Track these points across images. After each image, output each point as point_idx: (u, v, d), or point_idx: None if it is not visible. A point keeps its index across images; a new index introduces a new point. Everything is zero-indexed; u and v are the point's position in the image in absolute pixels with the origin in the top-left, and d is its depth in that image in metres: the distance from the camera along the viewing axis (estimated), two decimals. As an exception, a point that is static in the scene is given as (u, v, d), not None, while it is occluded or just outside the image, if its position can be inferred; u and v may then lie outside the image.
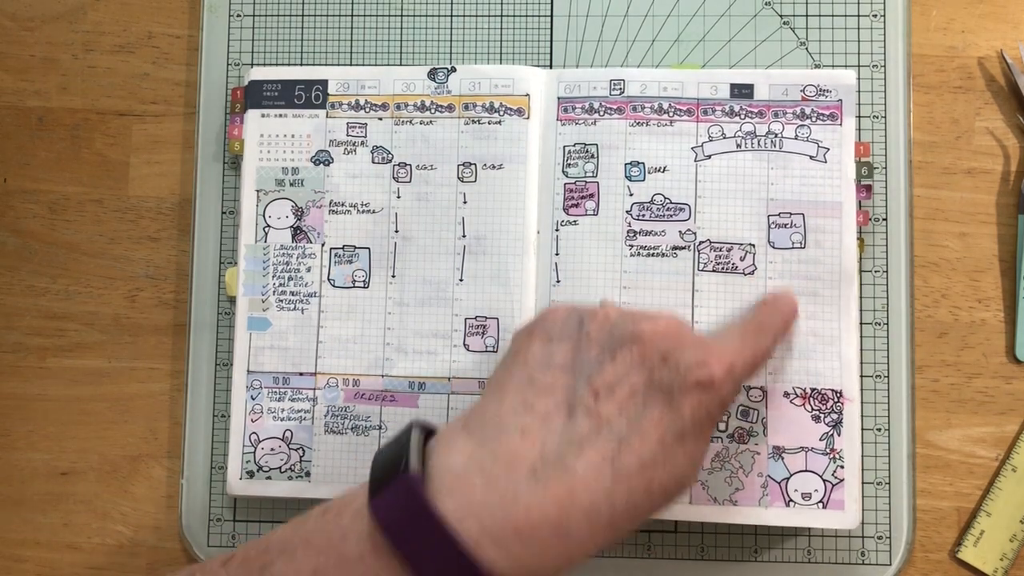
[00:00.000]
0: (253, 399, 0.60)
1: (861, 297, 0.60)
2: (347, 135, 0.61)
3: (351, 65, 0.63)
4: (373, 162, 0.61)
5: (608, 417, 0.43)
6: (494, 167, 0.60)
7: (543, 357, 0.46)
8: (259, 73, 0.62)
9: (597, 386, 0.44)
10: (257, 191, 0.61)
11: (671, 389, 0.44)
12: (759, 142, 0.59)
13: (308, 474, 0.59)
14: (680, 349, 0.45)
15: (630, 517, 0.43)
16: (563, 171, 0.60)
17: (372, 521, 0.42)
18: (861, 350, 0.59)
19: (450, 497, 0.41)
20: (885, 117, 0.61)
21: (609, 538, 0.43)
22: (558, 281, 0.59)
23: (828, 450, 0.57)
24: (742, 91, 0.59)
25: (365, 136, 0.61)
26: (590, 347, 0.45)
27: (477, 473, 0.42)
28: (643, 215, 0.59)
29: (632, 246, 0.59)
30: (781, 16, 0.62)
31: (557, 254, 0.59)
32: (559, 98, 0.60)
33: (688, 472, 0.45)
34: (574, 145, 0.60)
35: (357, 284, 0.60)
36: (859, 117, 0.61)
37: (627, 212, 0.59)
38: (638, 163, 0.59)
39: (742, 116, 0.59)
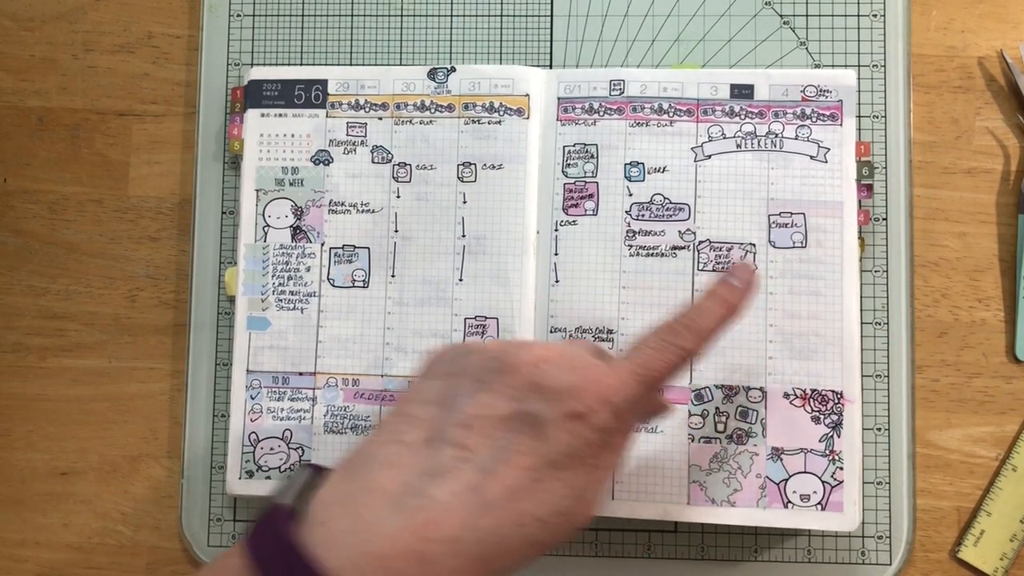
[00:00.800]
0: (253, 399, 0.60)
1: (861, 297, 0.60)
2: (347, 135, 0.61)
3: (351, 65, 0.63)
4: (373, 162, 0.61)
5: (474, 447, 0.42)
6: (494, 167, 0.60)
7: (419, 392, 0.45)
8: (259, 73, 0.62)
9: (465, 417, 0.43)
10: (257, 191, 0.61)
11: (541, 419, 0.42)
12: (759, 142, 0.59)
13: (308, 474, 0.59)
14: (554, 377, 0.43)
15: (502, 552, 0.42)
16: (563, 171, 0.60)
17: (246, 555, 0.42)
18: (861, 350, 0.59)
19: (317, 529, 0.41)
20: (885, 117, 0.61)
21: (482, 574, 0.42)
22: (557, 281, 0.59)
23: (827, 451, 0.57)
24: (742, 91, 0.59)
25: (365, 136, 0.61)
26: (464, 380, 0.44)
27: (342, 504, 0.42)
28: (643, 215, 0.59)
29: (631, 246, 0.59)
30: (781, 16, 0.62)
31: (556, 254, 0.59)
32: (559, 98, 0.60)
33: (571, 505, 0.43)
34: (574, 145, 0.60)
35: (357, 284, 0.60)
36: (859, 117, 0.61)
37: (627, 212, 0.59)
38: (638, 163, 0.59)
39: (742, 116, 0.59)
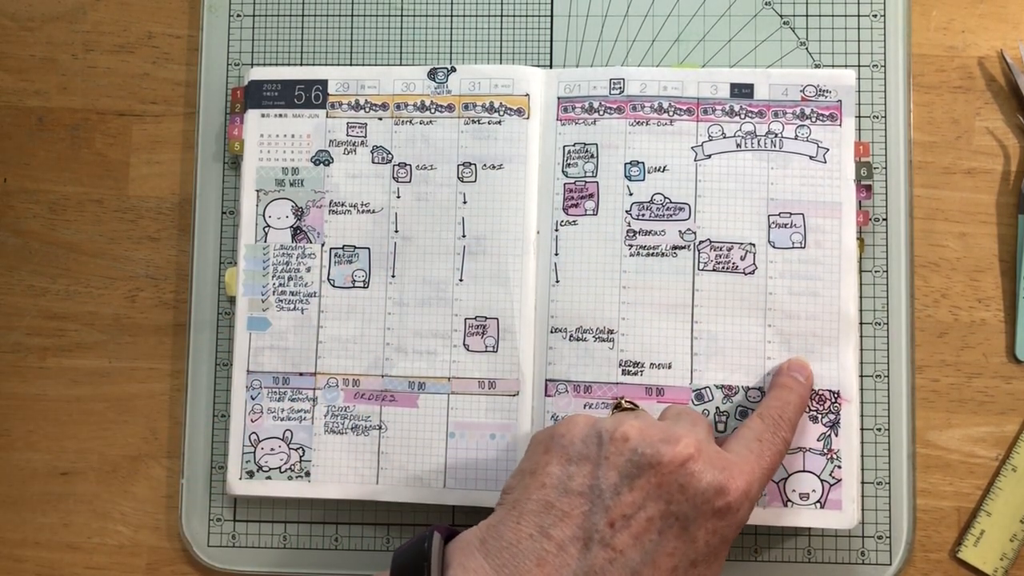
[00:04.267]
0: (253, 399, 0.60)
1: (861, 297, 0.60)
2: (347, 135, 0.61)
3: (351, 65, 0.63)
4: (373, 162, 0.61)
5: (623, 548, 0.44)
6: (494, 167, 0.60)
7: (561, 480, 0.46)
8: (259, 73, 0.62)
9: (613, 516, 0.45)
10: (257, 191, 0.61)
11: (688, 519, 0.45)
12: (759, 142, 0.59)
13: (308, 474, 0.59)
14: (698, 477, 0.45)
15: None
16: (563, 171, 0.60)
17: None
18: (861, 350, 0.59)
19: None
20: (885, 117, 0.61)
21: None
22: (557, 281, 0.59)
23: (826, 450, 0.57)
24: (742, 91, 0.59)
25: (365, 136, 0.61)
26: (608, 472, 0.46)
27: None
28: (643, 215, 0.59)
29: (632, 246, 0.59)
30: (781, 16, 0.62)
31: (557, 254, 0.59)
32: (559, 98, 0.60)
33: None
34: (574, 145, 0.60)
35: (357, 284, 0.60)
36: (859, 117, 0.61)
37: (627, 212, 0.59)
38: (638, 163, 0.59)
39: (742, 116, 0.59)
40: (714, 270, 0.58)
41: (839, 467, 0.56)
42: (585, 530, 0.44)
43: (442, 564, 0.45)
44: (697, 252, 0.58)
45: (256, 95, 0.62)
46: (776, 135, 0.59)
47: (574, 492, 0.45)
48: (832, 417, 0.57)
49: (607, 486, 0.45)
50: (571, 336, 0.58)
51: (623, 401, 0.54)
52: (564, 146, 0.60)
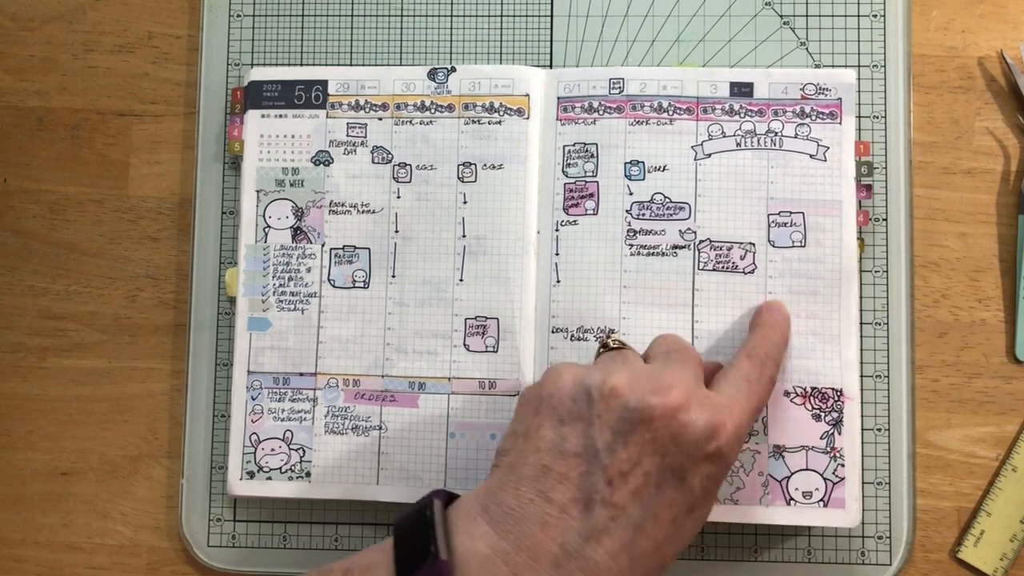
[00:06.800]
0: (253, 399, 0.60)
1: (861, 297, 0.60)
2: (347, 135, 0.61)
3: (351, 65, 0.63)
4: (373, 162, 0.61)
5: (623, 505, 0.44)
6: (494, 167, 0.60)
7: (555, 442, 0.46)
8: (259, 73, 0.62)
9: (611, 475, 0.45)
10: (257, 191, 0.61)
11: (683, 469, 0.45)
12: (759, 141, 0.59)
13: (308, 474, 0.59)
14: (691, 427, 0.45)
15: None
16: (563, 171, 0.60)
17: None
18: (861, 350, 0.59)
19: None
20: (885, 117, 0.61)
21: None
22: (558, 281, 0.59)
23: (829, 449, 0.57)
24: (742, 90, 0.59)
25: (365, 136, 0.61)
26: (602, 431, 0.46)
27: (502, 564, 0.43)
28: (643, 214, 0.59)
29: (632, 245, 0.59)
30: (781, 16, 0.62)
31: (557, 254, 0.59)
32: (559, 98, 0.60)
33: (695, 534, 0.48)
34: (574, 145, 0.60)
35: (357, 284, 0.60)
36: (859, 117, 0.61)
37: (627, 211, 0.59)
38: (638, 162, 0.59)
39: (742, 115, 0.59)
40: (714, 269, 0.58)
41: (842, 465, 0.56)
42: (584, 491, 0.45)
43: (446, 531, 0.45)
44: (697, 251, 0.58)
45: (256, 95, 0.62)
46: (776, 134, 0.59)
47: (570, 454, 0.46)
48: (835, 415, 0.57)
49: (602, 445, 0.45)
50: (572, 336, 0.58)
51: (610, 340, 0.53)
52: (564, 146, 0.60)
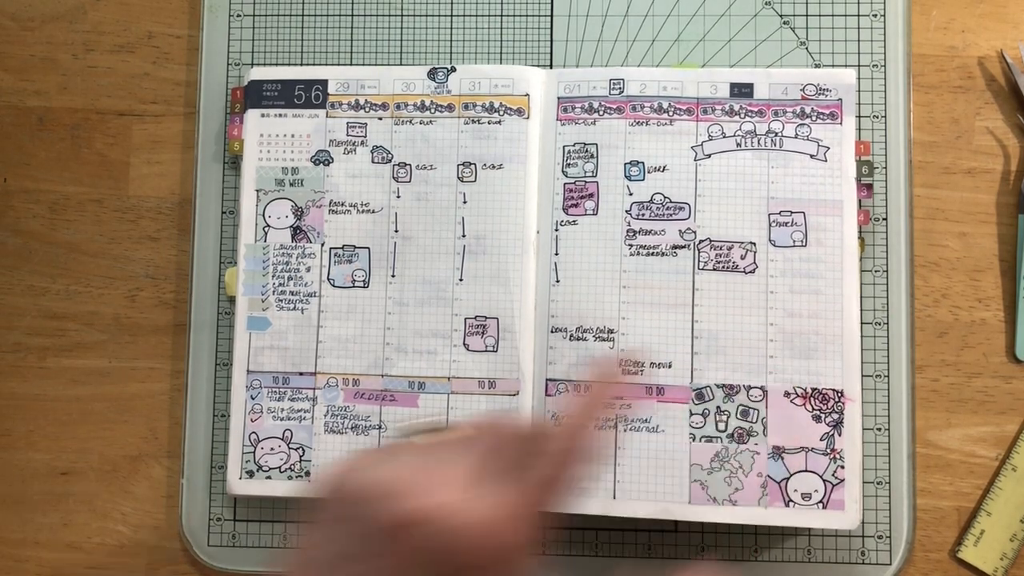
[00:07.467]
0: (253, 399, 0.60)
1: (861, 297, 0.60)
2: (347, 135, 0.61)
3: (351, 65, 0.63)
4: (373, 162, 0.61)
5: None
6: (494, 167, 0.60)
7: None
8: (259, 73, 0.62)
9: None
10: (257, 191, 0.61)
11: None
12: (759, 141, 0.59)
13: (308, 474, 0.59)
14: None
15: None
16: (563, 171, 0.60)
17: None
18: (862, 349, 0.59)
19: None
20: (885, 117, 0.61)
21: None
22: (558, 281, 0.59)
23: (828, 450, 0.57)
24: (742, 90, 0.59)
25: (365, 136, 0.61)
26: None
27: None
28: (643, 214, 0.59)
29: (632, 245, 0.59)
30: (781, 16, 0.62)
31: (557, 254, 0.59)
32: (559, 98, 0.60)
33: None
34: (574, 145, 0.60)
35: (357, 284, 0.60)
36: (859, 117, 0.61)
37: (627, 211, 0.59)
38: (638, 162, 0.59)
39: (742, 115, 0.59)
40: (714, 269, 0.58)
41: (842, 467, 0.56)
42: None
43: None
44: (697, 251, 0.58)
45: (256, 95, 0.62)
46: (776, 134, 0.59)
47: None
48: (836, 416, 0.57)
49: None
50: (571, 336, 0.58)
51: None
52: (564, 146, 0.60)
